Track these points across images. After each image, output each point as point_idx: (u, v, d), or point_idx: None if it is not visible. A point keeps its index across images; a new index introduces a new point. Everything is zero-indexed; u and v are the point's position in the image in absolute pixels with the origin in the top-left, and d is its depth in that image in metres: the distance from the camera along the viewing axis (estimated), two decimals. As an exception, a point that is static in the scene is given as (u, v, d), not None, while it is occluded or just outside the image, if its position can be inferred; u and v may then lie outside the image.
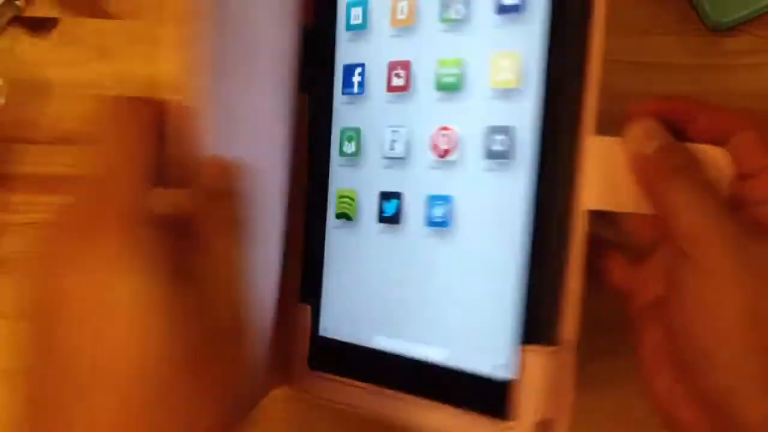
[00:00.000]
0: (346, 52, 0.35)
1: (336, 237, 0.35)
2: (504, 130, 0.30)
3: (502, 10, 0.30)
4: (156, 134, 0.25)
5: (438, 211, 0.32)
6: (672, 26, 0.45)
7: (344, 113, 0.35)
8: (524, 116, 0.30)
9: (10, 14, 0.44)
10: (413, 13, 0.33)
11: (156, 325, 0.21)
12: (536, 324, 0.29)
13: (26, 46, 0.44)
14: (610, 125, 0.45)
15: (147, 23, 0.44)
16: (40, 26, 0.44)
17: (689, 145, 0.28)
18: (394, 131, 0.33)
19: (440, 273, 0.32)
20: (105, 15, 0.44)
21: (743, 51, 0.45)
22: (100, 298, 0.21)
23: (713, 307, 0.25)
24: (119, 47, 0.44)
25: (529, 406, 0.29)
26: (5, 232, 0.40)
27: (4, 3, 0.43)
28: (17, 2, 0.44)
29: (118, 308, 0.21)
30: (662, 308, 0.28)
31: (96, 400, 0.21)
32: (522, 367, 0.29)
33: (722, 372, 0.25)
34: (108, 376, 0.21)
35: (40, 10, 0.44)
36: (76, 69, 0.43)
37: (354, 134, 0.34)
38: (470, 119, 0.31)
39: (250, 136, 0.31)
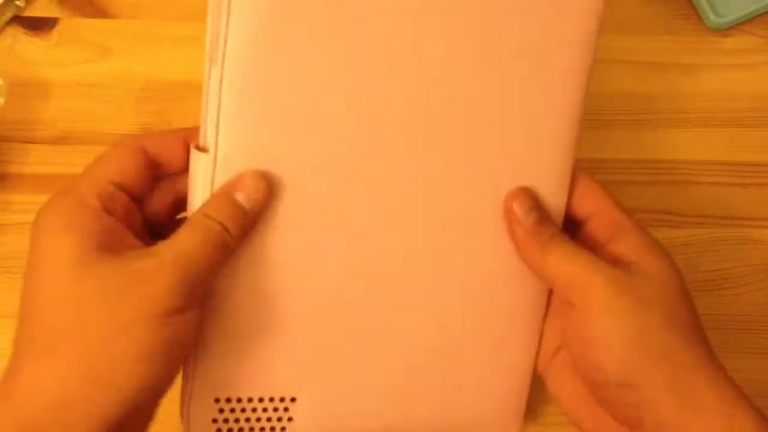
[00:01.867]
0: None
1: None
2: None
3: None
4: (144, 163, 0.29)
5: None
6: (672, 26, 0.45)
7: None
8: None
9: (10, 14, 0.44)
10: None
11: (68, 279, 0.26)
12: None
13: (26, 46, 0.44)
14: (607, 125, 0.45)
15: (147, 23, 0.44)
16: (40, 26, 0.44)
17: None
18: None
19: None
20: (105, 15, 0.44)
21: (743, 51, 0.45)
22: (41, 249, 0.27)
23: (605, 337, 0.28)
24: (119, 47, 0.44)
25: None
26: (5, 232, 0.40)
27: (4, 2, 0.43)
28: (17, 2, 0.44)
29: (47, 259, 0.26)
30: (564, 358, 0.32)
31: (27, 332, 0.26)
32: None
33: (634, 390, 0.28)
34: (31, 311, 0.26)
35: (40, 10, 0.44)
36: (76, 69, 0.43)
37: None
38: None
39: None
